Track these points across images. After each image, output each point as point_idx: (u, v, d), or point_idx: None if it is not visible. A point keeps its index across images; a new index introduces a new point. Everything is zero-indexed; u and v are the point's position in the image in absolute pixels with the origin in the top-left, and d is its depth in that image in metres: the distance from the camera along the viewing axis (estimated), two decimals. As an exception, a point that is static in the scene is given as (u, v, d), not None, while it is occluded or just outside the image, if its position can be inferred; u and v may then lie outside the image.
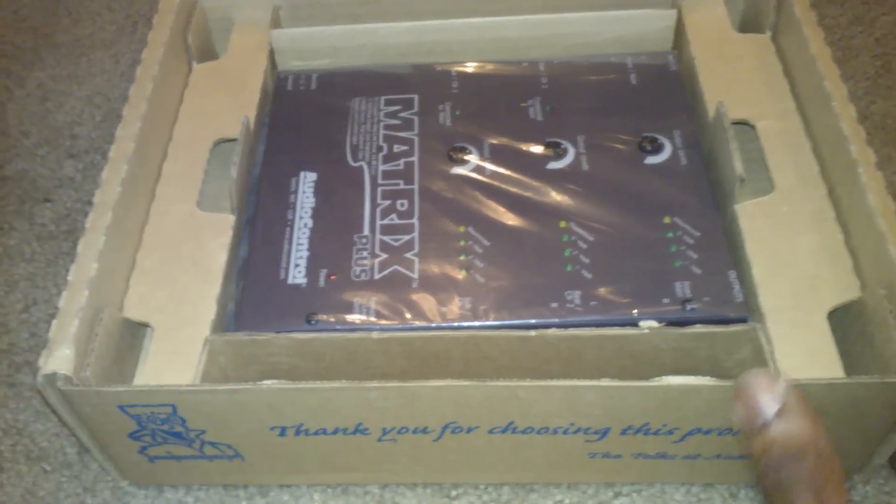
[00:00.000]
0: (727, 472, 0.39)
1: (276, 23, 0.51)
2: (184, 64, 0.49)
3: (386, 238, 0.42)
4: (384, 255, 0.41)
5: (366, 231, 0.42)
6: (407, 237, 0.42)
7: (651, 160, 0.44)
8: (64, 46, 0.63)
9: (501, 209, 0.42)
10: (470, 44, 0.50)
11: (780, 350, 0.35)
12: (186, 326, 0.38)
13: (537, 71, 0.48)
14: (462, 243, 0.41)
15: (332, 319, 0.39)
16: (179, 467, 0.39)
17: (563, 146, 0.45)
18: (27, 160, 0.56)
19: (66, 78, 0.60)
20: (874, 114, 0.54)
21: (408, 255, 0.41)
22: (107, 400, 0.34)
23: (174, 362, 0.37)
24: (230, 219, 0.42)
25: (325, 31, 0.50)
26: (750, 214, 0.40)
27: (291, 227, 0.42)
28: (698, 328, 0.36)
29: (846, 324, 0.38)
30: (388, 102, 0.48)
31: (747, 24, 0.51)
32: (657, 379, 0.33)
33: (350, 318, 0.39)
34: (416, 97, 0.48)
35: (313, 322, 0.39)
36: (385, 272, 0.40)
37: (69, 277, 0.37)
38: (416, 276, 0.40)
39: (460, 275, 0.40)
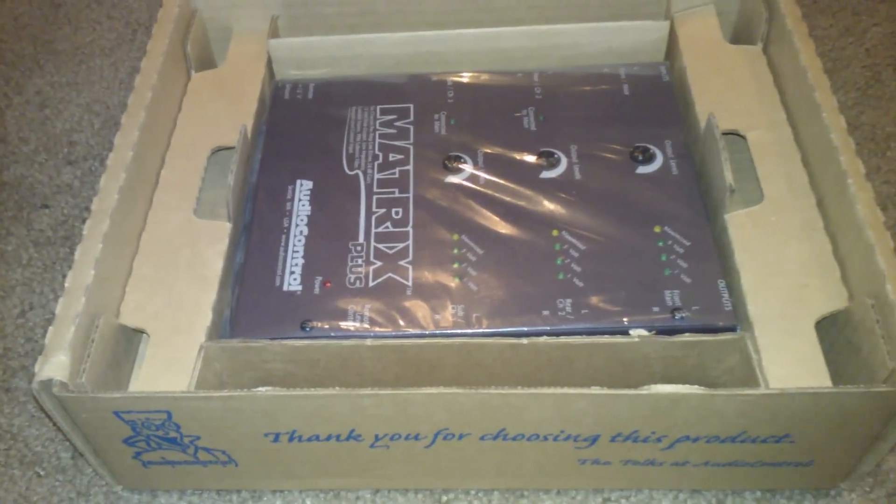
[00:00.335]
0: (715, 479, 0.39)
1: (274, 32, 0.52)
2: (182, 72, 0.49)
3: (380, 246, 0.42)
4: (378, 263, 0.41)
5: (360, 239, 0.42)
6: (401, 245, 0.42)
7: (643, 170, 0.44)
8: (63, 54, 0.63)
9: (495, 218, 0.43)
10: (465, 54, 0.51)
11: (767, 359, 0.36)
12: (182, 333, 0.38)
13: (531, 81, 0.49)
14: (456, 251, 0.42)
15: (326, 326, 0.39)
16: (173, 472, 0.39)
17: (556, 156, 0.45)
18: (25, 166, 0.56)
19: (65, 85, 0.61)
20: (864, 124, 0.54)
21: (402, 262, 0.41)
22: (102, 406, 0.35)
23: (170, 369, 0.37)
24: (226, 226, 0.42)
25: (323, 40, 0.51)
26: (740, 224, 0.40)
27: (287, 234, 0.43)
28: (687, 337, 0.36)
29: (834, 333, 0.38)
30: (384, 112, 0.48)
31: (739, 36, 0.51)
32: (646, 387, 0.33)
33: (344, 325, 0.39)
34: (411, 106, 0.48)
35: (308, 329, 0.39)
36: (379, 280, 0.41)
37: (66, 284, 0.37)
38: (409, 283, 0.40)
39: (453, 282, 0.40)
